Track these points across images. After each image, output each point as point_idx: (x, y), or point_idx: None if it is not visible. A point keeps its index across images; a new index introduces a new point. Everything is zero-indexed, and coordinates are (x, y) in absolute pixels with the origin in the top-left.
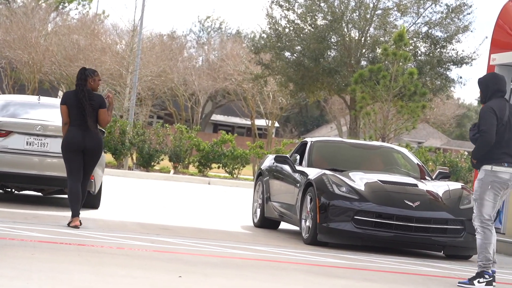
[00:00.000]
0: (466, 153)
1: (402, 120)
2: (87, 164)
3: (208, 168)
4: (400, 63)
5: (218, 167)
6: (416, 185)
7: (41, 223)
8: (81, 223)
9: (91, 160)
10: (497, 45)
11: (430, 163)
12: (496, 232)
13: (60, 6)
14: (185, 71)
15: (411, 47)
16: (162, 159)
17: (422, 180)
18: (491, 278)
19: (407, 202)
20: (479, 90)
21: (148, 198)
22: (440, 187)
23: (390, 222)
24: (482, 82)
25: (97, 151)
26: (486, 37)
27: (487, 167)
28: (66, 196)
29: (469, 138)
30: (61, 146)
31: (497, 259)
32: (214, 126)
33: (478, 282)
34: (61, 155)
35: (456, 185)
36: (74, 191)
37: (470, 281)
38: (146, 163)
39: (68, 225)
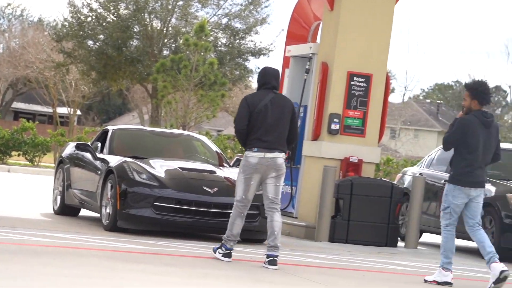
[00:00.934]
0: None
1: (202, 109)
2: None
3: (8, 156)
4: (201, 53)
5: (19, 155)
6: (214, 172)
7: None
8: None
9: None
10: (292, 38)
11: (229, 151)
12: (289, 216)
13: None
14: None
15: (212, 38)
16: None
17: (220, 167)
18: (228, 252)
19: (205, 188)
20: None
21: None
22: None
23: (189, 208)
24: (259, 75)
25: None
26: (282, 30)
27: (245, 153)
28: None
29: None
30: None
31: (290, 242)
32: (15, 114)
33: (218, 252)
34: None
35: None
36: None
37: (215, 249)
38: None
39: None
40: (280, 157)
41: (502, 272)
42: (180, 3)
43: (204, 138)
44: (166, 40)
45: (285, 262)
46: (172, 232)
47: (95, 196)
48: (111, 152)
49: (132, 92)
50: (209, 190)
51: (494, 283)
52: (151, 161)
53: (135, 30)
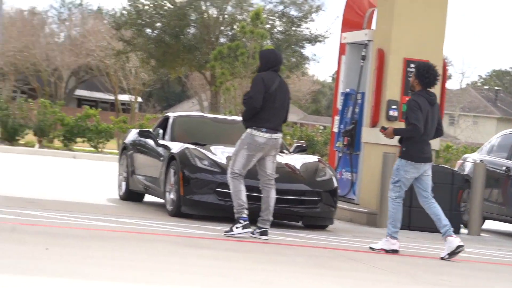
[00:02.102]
0: (321, 127)
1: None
2: None
3: (73, 142)
4: (258, 41)
5: (83, 141)
6: None
7: None
8: None
9: None
10: (347, 24)
11: (288, 137)
12: (351, 202)
13: None
14: (48, 47)
15: (268, 26)
16: (26, 134)
17: (280, 154)
18: (247, 222)
19: None
20: (259, 61)
21: (13, 172)
22: (297, 160)
23: (251, 194)
24: (262, 56)
25: None
26: (338, 17)
27: (249, 130)
28: None
29: (242, 102)
30: None
31: (352, 228)
32: (78, 101)
33: (236, 227)
34: None
35: (313, 158)
36: None
37: (231, 228)
38: (10, 137)
39: None
40: (281, 138)
41: (459, 247)
42: None
43: None
44: (222, 28)
45: (348, 248)
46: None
47: (158, 182)
48: (172, 139)
49: (191, 79)
50: None
51: (449, 255)
52: (212, 148)
53: (192, 18)
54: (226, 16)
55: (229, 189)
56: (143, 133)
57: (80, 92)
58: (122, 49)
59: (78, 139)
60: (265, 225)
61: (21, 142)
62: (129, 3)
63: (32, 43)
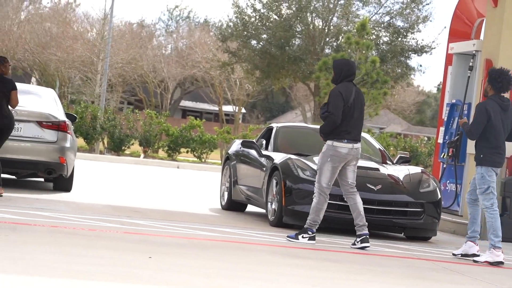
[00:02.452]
0: (426, 138)
1: (364, 107)
2: (3, 140)
3: (177, 153)
4: (363, 52)
5: (187, 152)
6: (378, 169)
7: (14, 205)
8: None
9: (5, 136)
10: (454, 35)
11: (392, 148)
12: (454, 214)
13: None
14: (155, 59)
15: (373, 36)
16: (132, 144)
17: (383, 165)
18: (313, 235)
19: (369, 185)
20: (333, 71)
21: (119, 182)
22: (401, 171)
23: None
24: (337, 66)
25: (11, 128)
26: (445, 27)
27: (329, 142)
28: (40, 179)
29: (319, 115)
30: None
31: (455, 240)
32: (183, 112)
33: (302, 237)
34: (34, 139)
35: (416, 169)
36: None
37: (296, 235)
38: (117, 147)
39: None
40: (360, 147)
41: (474, 255)
42: (342, 2)
43: (367, 136)
44: (327, 39)
45: (450, 260)
46: (336, 228)
47: (260, 192)
48: (275, 149)
49: (295, 90)
50: (373, 187)
51: (462, 255)
52: (314, 158)
53: (297, 29)
54: (331, 27)
55: (331, 200)
56: (246, 144)
57: (185, 103)
58: (228, 61)
59: (182, 149)
60: (363, 231)
61: (127, 152)
62: (235, 15)
63: (140, 55)
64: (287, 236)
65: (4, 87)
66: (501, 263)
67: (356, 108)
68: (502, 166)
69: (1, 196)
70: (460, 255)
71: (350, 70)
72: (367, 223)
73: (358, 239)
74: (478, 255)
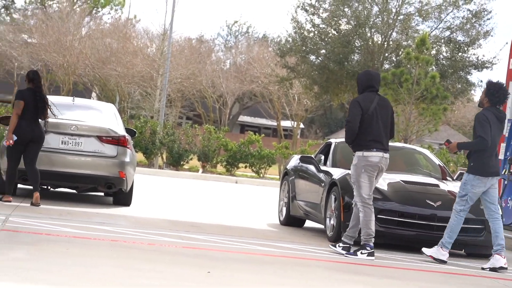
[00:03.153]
0: None
1: (424, 122)
2: (35, 150)
3: (235, 168)
4: (423, 67)
5: (245, 167)
6: (437, 185)
7: (75, 219)
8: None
9: (38, 147)
10: None
11: (451, 164)
12: (505, 228)
13: (94, 11)
14: (213, 74)
15: (433, 52)
16: (191, 159)
17: (443, 181)
18: (372, 250)
19: (428, 201)
20: (357, 84)
21: (177, 196)
22: None
23: (412, 221)
24: (358, 78)
25: (42, 139)
26: (507, 43)
27: (359, 153)
28: (100, 193)
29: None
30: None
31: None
32: (241, 127)
33: (361, 253)
34: (94, 153)
35: None
36: (13, 173)
37: (355, 252)
38: (175, 162)
39: (1, 200)
40: (389, 157)
41: (501, 268)
42: (401, 17)
43: (426, 151)
44: (387, 54)
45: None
46: (395, 244)
47: (319, 207)
48: (334, 165)
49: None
50: (433, 203)
51: (490, 269)
52: None
53: (356, 44)
54: (391, 42)
55: (390, 216)
56: (304, 159)
57: (244, 118)
58: (286, 76)
59: (241, 164)
60: (369, 242)
61: (186, 167)
62: (294, 30)
63: (199, 70)
64: (345, 253)
65: (40, 101)
66: (444, 262)
67: (380, 117)
68: (496, 176)
69: (10, 202)
70: (488, 269)
71: (370, 81)
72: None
73: (364, 251)
74: (506, 268)
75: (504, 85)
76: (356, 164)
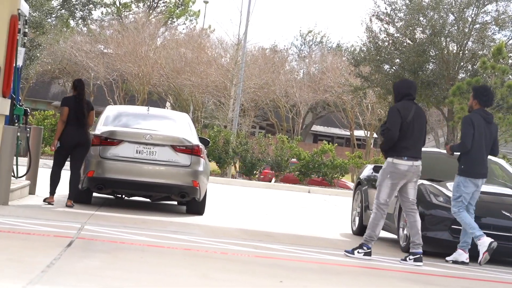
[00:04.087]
0: None
1: (500, 132)
2: (81, 155)
3: (308, 177)
4: (499, 76)
5: (318, 177)
6: None
7: (149, 228)
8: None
9: (85, 151)
10: None
11: None
12: None
13: (169, 22)
14: (287, 83)
15: (510, 61)
16: (264, 168)
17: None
18: (369, 251)
19: (504, 212)
20: (393, 92)
21: (250, 205)
22: None
23: (488, 232)
24: (395, 86)
25: (89, 144)
26: None
27: (389, 159)
28: (174, 202)
29: (380, 133)
30: (60, 140)
31: None
32: (314, 137)
33: (358, 252)
34: (168, 162)
35: None
36: (56, 177)
37: (353, 250)
38: (248, 171)
39: (44, 200)
40: (421, 165)
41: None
42: (477, 26)
43: (502, 162)
44: (462, 63)
45: None
46: (470, 255)
47: (392, 217)
48: None
49: (428, 115)
50: (508, 214)
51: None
52: (447, 184)
53: (431, 53)
54: (466, 51)
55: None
56: (378, 169)
57: (317, 128)
58: (360, 85)
59: (314, 174)
60: (418, 249)
61: (258, 176)
62: (369, 40)
63: (272, 80)
64: (345, 251)
65: (85, 107)
66: (465, 263)
67: (416, 126)
68: (484, 178)
69: (52, 204)
70: (451, 261)
71: (407, 90)
72: (422, 243)
73: (412, 257)
74: (467, 263)
75: (491, 87)
76: (384, 169)
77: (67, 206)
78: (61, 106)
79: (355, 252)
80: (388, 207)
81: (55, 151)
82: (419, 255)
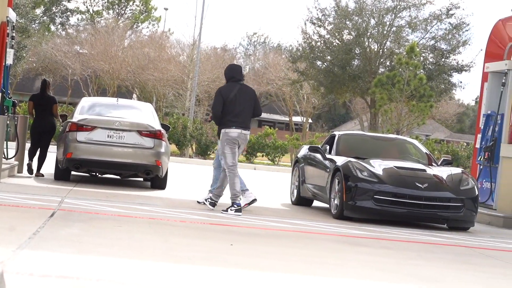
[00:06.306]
0: (465, 144)
1: (413, 117)
2: (45, 139)
3: (254, 157)
4: (412, 71)
5: (262, 156)
6: (424, 170)
7: (119, 200)
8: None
9: (48, 137)
10: (490, 56)
11: (436, 152)
12: (489, 208)
13: (135, 26)
14: None
15: (421, 58)
16: (216, 149)
17: (429, 166)
18: (239, 207)
19: (417, 184)
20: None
21: (205, 181)
22: (444, 172)
23: (404, 200)
24: (224, 72)
25: (52, 131)
26: (481, 50)
27: (223, 130)
28: (140, 178)
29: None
30: (30, 128)
31: (490, 230)
32: (259, 122)
33: (231, 209)
34: (135, 145)
35: (457, 170)
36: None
37: (227, 209)
38: (203, 152)
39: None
40: (249, 133)
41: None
42: (394, 29)
43: (415, 142)
44: (382, 60)
45: (486, 247)
46: (389, 220)
47: (325, 190)
48: (337, 153)
49: (354, 104)
50: (421, 185)
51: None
52: (371, 161)
53: (356, 52)
54: (385, 50)
55: (385, 196)
56: (312, 149)
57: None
58: (297, 79)
59: (258, 154)
60: (238, 201)
61: (212, 156)
62: (304, 40)
63: (223, 74)
64: (222, 211)
65: (48, 103)
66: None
67: (238, 102)
68: None
69: (43, 176)
70: (203, 203)
71: (230, 72)
72: (240, 195)
73: (233, 208)
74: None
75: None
76: (221, 140)
77: (36, 176)
78: (28, 101)
79: (229, 210)
80: (236, 166)
81: (30, 135)
82: (239, 207)
